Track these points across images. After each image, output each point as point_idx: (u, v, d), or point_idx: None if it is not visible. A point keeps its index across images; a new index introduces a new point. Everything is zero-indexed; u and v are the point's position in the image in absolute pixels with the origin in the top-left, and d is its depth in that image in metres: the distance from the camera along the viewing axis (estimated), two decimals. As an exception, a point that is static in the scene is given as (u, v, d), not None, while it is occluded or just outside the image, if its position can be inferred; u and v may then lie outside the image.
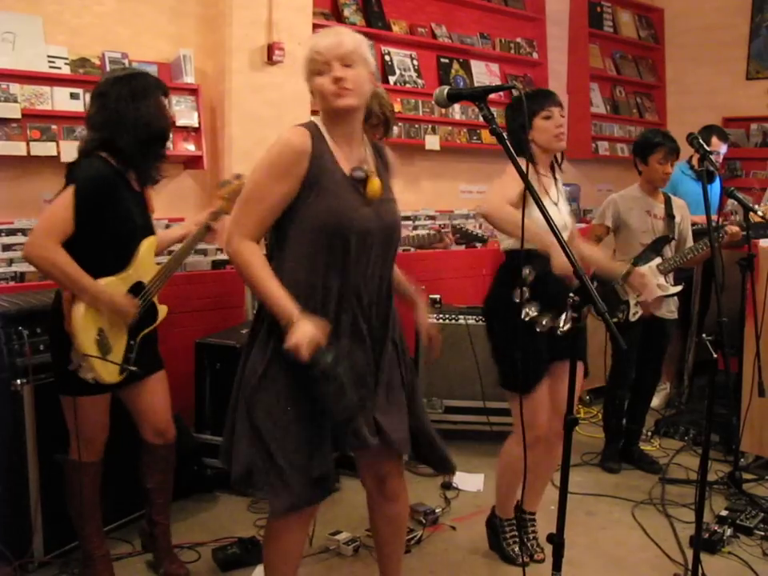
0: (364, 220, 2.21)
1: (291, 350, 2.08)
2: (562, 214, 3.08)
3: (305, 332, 2.08)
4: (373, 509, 2.61)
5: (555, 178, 3.14)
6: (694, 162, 5.03)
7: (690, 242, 4.21)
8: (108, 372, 2.67)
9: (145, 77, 2.76)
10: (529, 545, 3.29)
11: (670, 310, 4.22)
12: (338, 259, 2.20)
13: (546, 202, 2.96)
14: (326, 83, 2.17)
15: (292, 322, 2.11)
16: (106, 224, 2.64)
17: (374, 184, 2.23)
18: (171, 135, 2.86)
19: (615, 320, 4.00)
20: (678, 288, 4.16)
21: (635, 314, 4.07)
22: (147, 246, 2.77)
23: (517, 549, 3.23)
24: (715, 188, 5.01)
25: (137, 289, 2.73)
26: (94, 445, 2.80)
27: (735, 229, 4.05)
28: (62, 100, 4.10)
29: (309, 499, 2.27)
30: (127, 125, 2.64)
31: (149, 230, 2.82)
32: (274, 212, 2.20)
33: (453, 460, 2.59)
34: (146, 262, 2.77)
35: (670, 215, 4.12)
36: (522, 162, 2.12)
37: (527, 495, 3.22)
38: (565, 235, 3.06)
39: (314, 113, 5.21)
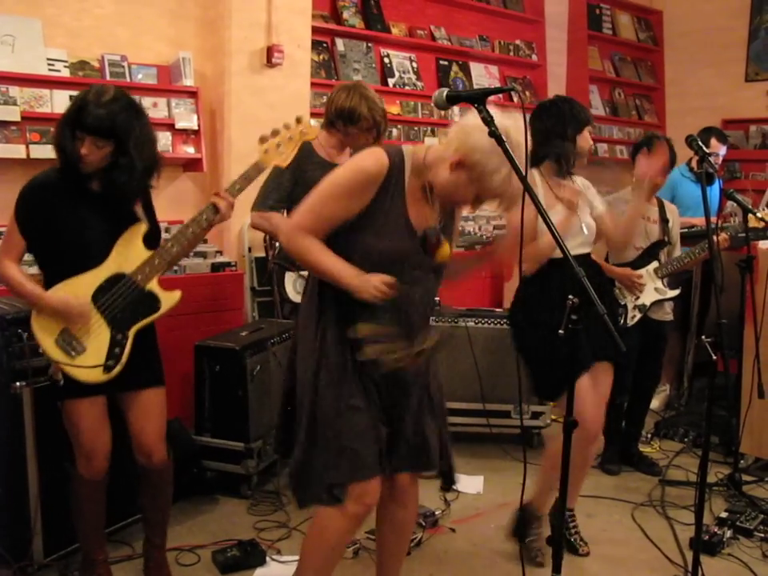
0: (409, 263, 2.24)
1: (378, 295, 2.14)
2: (580, 219, 3.11)
3: (371, 281, 2.15)
4: (381, 511, 2.61)
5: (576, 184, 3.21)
6: (693, 164, 5.03)
7: (678, 247, 4.23)
8: (84, 370, 2.59)
9: (81, 100, 2.55)
10: (572, 539, 3.33)
11: (666, 312, 4.23)
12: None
13: (559, 209, 3.03)
14: (470, 196, 2.19)
15: (356, 279, 2.17)
16: (52, 232, 2.60)
17: (445, 250, 2.25)
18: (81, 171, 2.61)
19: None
20: (676, 292, 4.17)
21: (633, 317, 4.07)
22: (128, 234, 2.68)
23: (537, 549, 3.23)
24: (714, 190, 5.01)
25: (114, 281, 2.64)
26: (94, 457, 2.74)
27: (721, 237, 4.06)
28: (61, 103, 4.09)
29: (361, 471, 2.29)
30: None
31: (125, 228, 2.69)
32: (330, 224, 2.25)
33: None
34: (127, 252, 2.67)
35: (664, 219, 4.13)
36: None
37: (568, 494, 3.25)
38: (582, 239, 3.11)
39: (313, 115, 5.24)
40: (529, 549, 3.21)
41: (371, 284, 2.15)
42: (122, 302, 2.65)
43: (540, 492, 3.25)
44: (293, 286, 3.49)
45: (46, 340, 2.60)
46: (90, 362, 2.60)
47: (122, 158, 2.59)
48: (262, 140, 2.79)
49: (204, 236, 2.92)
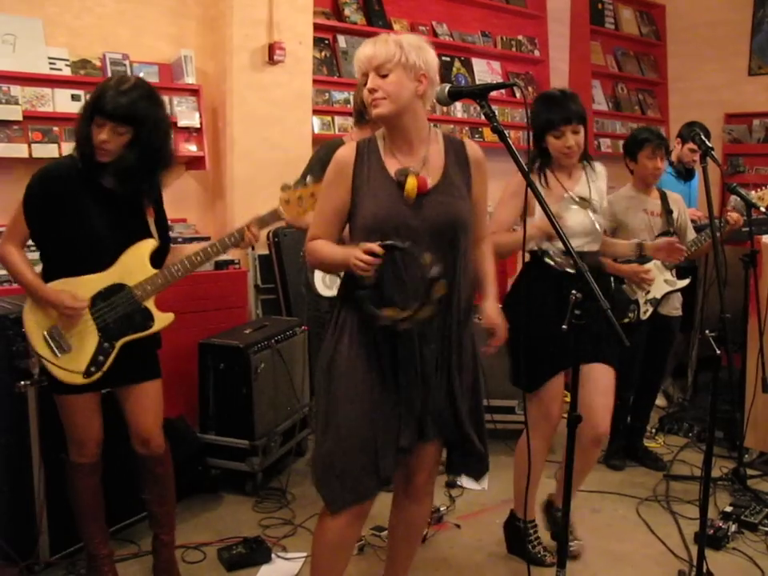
0: (402, 218, 2.25)
1: (362, 261, 2.13)
2: (582, 216, 3.03)
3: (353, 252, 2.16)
4: (395, 507, 2.63)
5: (588, 179, 3.12)
6: (673, 157, 5.03)
7: (690, 234, 4.19)
8: (64, 372, 2.61)
9: (102, 87, 2.56)
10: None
11: (674, 307, 4.21)
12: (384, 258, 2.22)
13: (562, 204, 3.00)
14: (365, 94, 2.31)
15: (343, 255, 2.22)
16: (56, 223, 2.60)
17: (409, 183, 2.25)
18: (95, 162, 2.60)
19: (627, 320, 3.99)
20: (685, 282, 4.15)
21: (646, 311, 4.06)
22: (137, 247, 2.69)
23: (543, 550, 3.21)
24: (694, 184, 5.05)
25: (114, 291, 2.65)
26: (85, 446, 2.77)
27: (736, 216, 4.03)
28: (63, 102, 4.10)
29: (359, 496, 2.31)
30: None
31: (134, 235, 2.70)
32: (333, 220, 2.38)
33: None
34: (133, 265, 2.68)
35: (667, 211, 4.11)
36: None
37: (558, 492, 3.24)
38: (589, 236, 3.05)
39: (315, 112, 5.24)
40: (533, 557, 3.16)
41: (353, 255, 2.16)
42: (117, 313, 2.66)
43: (517, 498, 3.23)
44: (321, 281, 3.48)
45: (35, 333, 2.62)
46: (73, 363, 2.62)
47: (136, 146, 2.59)
48: (284, 188, 2.75)
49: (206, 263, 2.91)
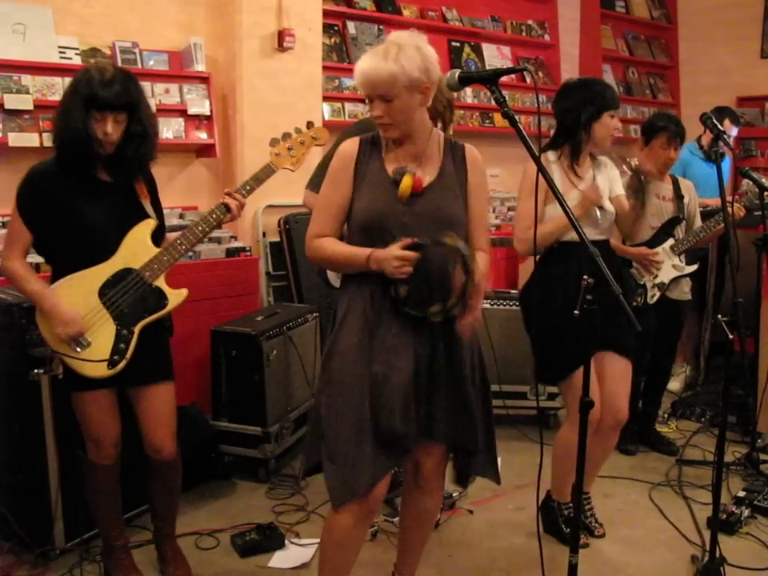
0: (394, 214, 2.27)
1: (397, 269, 2.17)
2: (596, 210, 3.07)
3: (388, 252, 2.19)
4: (405, 498, 2.64)
5: (595, 167, 3.17)
6: (704, 141, 4.99)
7: (698, 222, 4.20)
8: (90, 365, 2.59)
9: (87, 81, 2.51)
10: (587, 522, 3.33)
11: (684, 291, 4.20)
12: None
13: (573, 196, 3.04)
14: (371, 115, 2.31)
15: (372, 257, 2.22)
16: (52, 220, 2.58)
17: (404, 182, 2.27)
18: (93, 152, 2.56)
19: (634, 304, 3.99)
20: (693, 267, 4.14)
21: (653, 296, 4.05)
22: (137, 230, 2.66)
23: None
24: (724, 167, 5.01)
25: (121, 277, 2.63)
26: (102, 445, 2.76)
27: (735, 207, 4.01)
28: (74, 90, 4.09)
29: (354, 488, 2.27)
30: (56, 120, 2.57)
31: (134, 221, 2.67)
32: (338, 215, 2.38)
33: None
34: (136, 248, 2.65)
35: (679, 196, 4.10)
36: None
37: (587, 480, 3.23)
38: (596, 226, 3.09)
39: (325, 99, 5.23)
40: (566, 537, 3.14)
41: (388, 259, 2.17)
42: (129, 297, 2.63)
43: (556, 480, 3.25)
44: (336, 274, 3.48)
45: (49, 332, 2.60)
46: (94, 356, 2.60)
47: (135, 127, 2.59)
48: (273, 143, 2.83)
49: (211, 233, 2.89)
